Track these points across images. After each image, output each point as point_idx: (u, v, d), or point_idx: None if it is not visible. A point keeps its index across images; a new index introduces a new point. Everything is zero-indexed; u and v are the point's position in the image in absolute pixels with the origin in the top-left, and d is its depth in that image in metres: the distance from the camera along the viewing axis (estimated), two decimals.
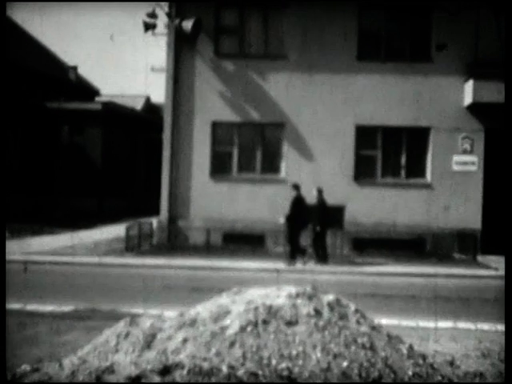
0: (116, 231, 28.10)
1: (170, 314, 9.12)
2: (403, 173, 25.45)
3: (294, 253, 21.92)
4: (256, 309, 8.28)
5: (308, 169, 25.59)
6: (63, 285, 17.67)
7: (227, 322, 8.20)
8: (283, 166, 25.76)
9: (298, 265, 21.63)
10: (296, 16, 25.56)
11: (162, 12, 25.95)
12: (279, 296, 8.69)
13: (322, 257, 22.15)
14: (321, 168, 25.57)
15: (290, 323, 8.20)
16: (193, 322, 8.21)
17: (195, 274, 20.20)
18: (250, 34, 26.10)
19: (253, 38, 26.10)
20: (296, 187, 22.26)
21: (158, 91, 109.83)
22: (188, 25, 25.29)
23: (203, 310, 8.65)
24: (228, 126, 25.96)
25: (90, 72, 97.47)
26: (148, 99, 58.71)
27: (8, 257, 22.75)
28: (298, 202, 22.02)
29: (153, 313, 12.06)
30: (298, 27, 25.60)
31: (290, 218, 21.91)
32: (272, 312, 8.27)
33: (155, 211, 27.77)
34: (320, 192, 22.45)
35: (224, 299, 8.98)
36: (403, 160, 25.42)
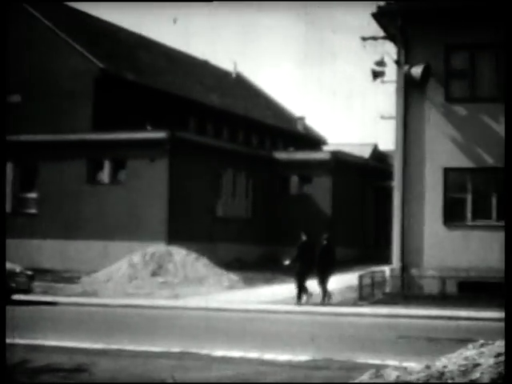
0: (347, 280, 27.99)
1: (410, 365, 8.78)
2: None
3: (300, 292, 24.16)
4: None
5: None
6: (298, 334, 17.70)
7: (476, 375, 7.78)
8: None
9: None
10: None
11: (390, 59, 25.84)
12: None
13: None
14: None
15: None
16: (440, 375, 7.86)
17: (431, 324, 19.68)
18: (481, 77, 25.42)
19: (484, 81, 25.40)
20: (306, 233, 25.06)
21: (385, 138, 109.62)
22: (417, 71, 25.00)
23: (449, 362, 8.27)
24: (460, 171, 25.28)
25: (317, 121, 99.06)
26: (376, 147, 58.67)
27: (244, 306, 23.22)
28: (303, 247, 24.61)
29: (390, 364, 11.73)
30: None
31: (293, 261, 24.71)
32: None
33: (386, 260, 27.41)
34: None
35: (470, 351, 8.56)
36: None
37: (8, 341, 14.60)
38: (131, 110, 38.62)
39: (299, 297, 24.14)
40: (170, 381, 10.80)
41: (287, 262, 25.18)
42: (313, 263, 24.38)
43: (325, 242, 25.25)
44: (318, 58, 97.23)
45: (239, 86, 56.27)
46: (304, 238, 24.92)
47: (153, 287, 28.27)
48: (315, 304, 23.71)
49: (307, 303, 23.89)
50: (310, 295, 24.24)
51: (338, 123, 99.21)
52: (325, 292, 24.41)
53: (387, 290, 25.54)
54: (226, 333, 18.02)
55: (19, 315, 21.32)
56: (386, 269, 26.27)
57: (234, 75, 56.66)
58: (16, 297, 24.59)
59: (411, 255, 25.23)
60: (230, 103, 49.58)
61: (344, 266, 36.10)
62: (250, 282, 29.84)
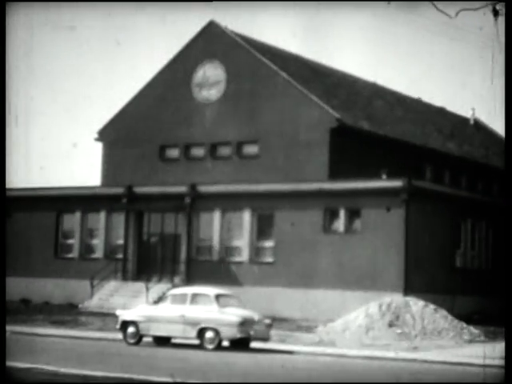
0: None
1: None
2: None
3: None
4: None
5: None
6: None
7: None
8: None
9: None
10: None
11: None
12: None
13: None
14: None
15: None
16: None
17: None
18: None
19: None
20: None
21: None
22: None
23: None
24: None
25: None
26: None
27: (486, 361, 22.10)
28: None
29: None
30: None
31: None
32: None
33: None
34: None
35: None
36: None
37: None
38: (366, 158, 38.39)
39: None
40: (170, 380, 10.41)
41: None
42: None
43: None
44: None
45: (478, 132, 54.76)
46: None
47: (390, 338, 27.55)
48: None
49: None
50: None
51: None
52: None
53: None
54: None
55: (256, 363, 21.38)
56: None
57: (472, 122, 55.26)
58: (254, 345, 24.70)
59: None
60: (468, 151, 48.29)
61: None
62: (492, 337, 28.48)
